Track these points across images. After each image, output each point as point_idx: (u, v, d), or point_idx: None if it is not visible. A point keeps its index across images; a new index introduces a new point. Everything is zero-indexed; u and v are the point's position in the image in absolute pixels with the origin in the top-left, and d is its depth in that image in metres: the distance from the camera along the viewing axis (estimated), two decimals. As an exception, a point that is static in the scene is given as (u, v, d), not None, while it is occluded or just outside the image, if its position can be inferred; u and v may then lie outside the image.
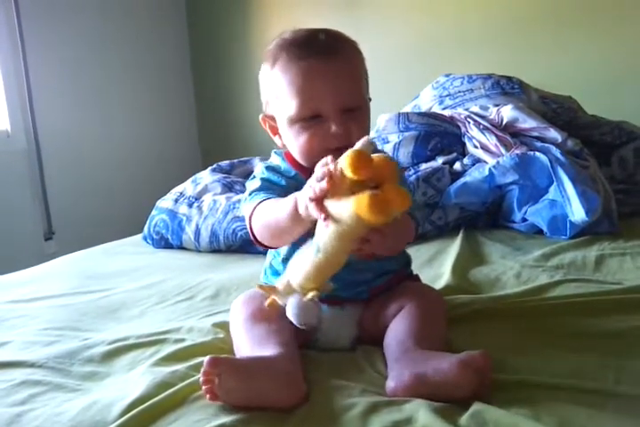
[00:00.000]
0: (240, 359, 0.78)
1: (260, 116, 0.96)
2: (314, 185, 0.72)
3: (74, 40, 2.78)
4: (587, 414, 0.66)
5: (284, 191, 0.89)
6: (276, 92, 0.90)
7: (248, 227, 0.91)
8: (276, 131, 0.95)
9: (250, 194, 0.92)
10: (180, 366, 0.83)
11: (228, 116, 3.34)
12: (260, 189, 0.92)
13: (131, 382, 0.81)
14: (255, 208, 0.89)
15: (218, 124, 3.39)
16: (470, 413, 0.67)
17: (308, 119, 0.88)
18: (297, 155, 0.92)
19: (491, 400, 0.70)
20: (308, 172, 0.91)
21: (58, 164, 2.71)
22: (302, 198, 0.75)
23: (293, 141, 0.91)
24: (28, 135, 2.60)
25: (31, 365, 0.88)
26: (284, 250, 0.94)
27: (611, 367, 0.77)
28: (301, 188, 0.84)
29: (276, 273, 0.96)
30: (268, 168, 0.95)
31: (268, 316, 0.85)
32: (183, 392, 0.75)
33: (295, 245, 0.93)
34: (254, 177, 0.96)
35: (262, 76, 0.95)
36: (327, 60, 0.87)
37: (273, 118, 0.94)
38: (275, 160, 0.98)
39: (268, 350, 0.78)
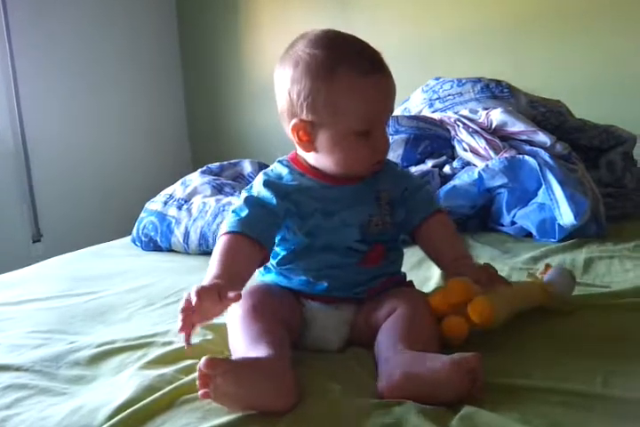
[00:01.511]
0: (236, 362, 0.77)
1: (294, 121, 0.89)
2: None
3: (63, 43, 2.77)
4: (576, 417, 0.66)
5: (269, 213, 0.90)
6: (332, 103, 0.87)
7: None
8: (309, 137, 0.90)
9: (233, 211, 0.92)
10: (168, 370, 0.82)
11: (219, 117, 3.34)
12: (239, 211, 0.91)
13: (117, 385, 0.80)
14: (220, 235, 0.90)
15: (208, 125, 3.39)
16: (460, 416, 0.67)
17: (361, 133, 0.88)
18: (336, 163, 0.91)
19: (481, 403, 0.70)
20: (321, 175, 0.93)
21: (46, 166, 2.69)
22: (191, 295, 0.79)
23: (339, 152, 0.90)
24: (16, 137, 2.58)
25: (17, 368, 0.87)
26: (280, 252, 0.95)
27: (599, 371, 0.77)
28: (306, 190, 0.91)
29: (270, 272, 0.97)
30: (266, 183, 0.94)
31: (263, 315, 0.85)
32: (170, 396, 0.75)
33: (291, 250, 0.93)
34: (250, 189, 0.95)
35: (311, 83, 0.87)
36: (386, 77, 0.89)
37: (312, 125, 0.89)
38: (278, 168, 0.97)
39: (261, 351, 0.77)
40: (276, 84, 0.93)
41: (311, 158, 0.94)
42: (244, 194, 0.95)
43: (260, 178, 0.96)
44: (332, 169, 0.92)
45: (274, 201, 0.91)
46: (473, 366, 0.71)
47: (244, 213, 0.90)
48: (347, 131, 0.88)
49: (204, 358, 0.71)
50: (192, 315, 0.77)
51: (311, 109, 0.87)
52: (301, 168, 0.95)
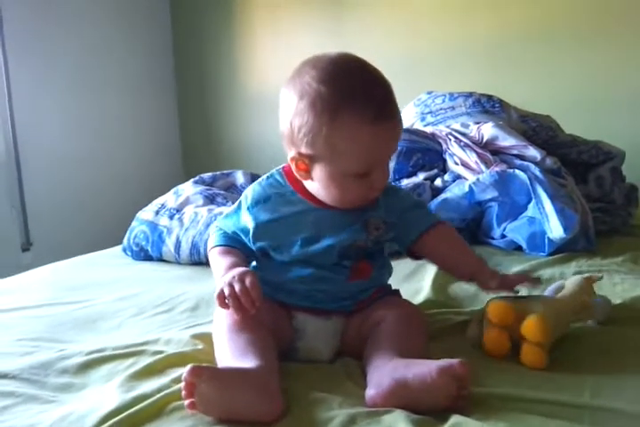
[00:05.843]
0: (221, 370, 0.77)
1: (293, 153, 0.88)
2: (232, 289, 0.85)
3: (57, 50, 2.77)
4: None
5: (244, 245, 0.98)
6: (332, 145, 0.84)
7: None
8: (307, 168, 0.88)
9: (218, 228, 1.02)
10: (158, 378, 0.82)
11: (211, 127, 3.35)
12: (221, 231, 1.01)
13: (106, 393, 0.80)
14: (211, 249, 1.00)
15: (201, 135, 3.39)
16: (449, 425, 0.67)
17: (359, 174, 0.86)
18: (330, 198, 0.90)
19: (469, 413, 0.70)
20: (312, 196, 0.92)
21: (37, 175, 2.68)
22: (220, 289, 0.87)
23: (335, 188, 0.88)
24: (8, 145, 2.58)
25: (5, 376, 0.86)
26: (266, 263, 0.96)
27: (588, 382, 0.78)
28: (291, 217, 0.92)
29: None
30: (251, 208, 0.95)
31: (251, 325, 0.85)
32: (160, 403, 0.75)
33: (277, 262, 0.94)
34: (239, 206, 0.98)
35: (313, 121, 0.83)
36: (392, 123, 0.85)
37: (311, 158, 0.87)
38: (270, 184, 0.95)
39: (249, 361, 0.77)
40: (281, 106, 0.89)
41: (307, 184, 0.92)
42: (231, 209, 1.00)
43: (249, 195, 0.96)
44: (326, 200, 0.91)
45: (249, 241, 0.96)
46: (459, 372, 0.71)
47: (226, 233, 1.00)
48: (345, 171, 0.86)
49: (188, 367, 0.71)
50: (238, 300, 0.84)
51: (310, 145, 0.85)
52: (294, 185, 0.93)
